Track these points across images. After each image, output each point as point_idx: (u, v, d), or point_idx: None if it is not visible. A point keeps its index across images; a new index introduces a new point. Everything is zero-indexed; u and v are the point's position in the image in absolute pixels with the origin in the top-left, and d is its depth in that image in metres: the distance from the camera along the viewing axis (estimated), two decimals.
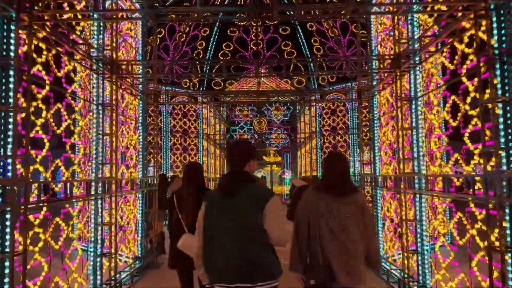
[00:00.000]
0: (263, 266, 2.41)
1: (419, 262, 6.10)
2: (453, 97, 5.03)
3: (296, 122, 24.38)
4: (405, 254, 6.13)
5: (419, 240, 6.13)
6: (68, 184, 5.04)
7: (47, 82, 4.67)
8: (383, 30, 8.06)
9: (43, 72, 4.58)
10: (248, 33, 16.45)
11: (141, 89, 8.29)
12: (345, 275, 2.85)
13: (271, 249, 2.50)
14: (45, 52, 4.64)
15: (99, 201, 6.19)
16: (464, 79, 4.61)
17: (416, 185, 5.98)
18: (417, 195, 6.14)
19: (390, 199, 7.76)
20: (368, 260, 3.02)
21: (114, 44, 6.32)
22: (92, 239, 6.08)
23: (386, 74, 7.26)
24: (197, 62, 9.75)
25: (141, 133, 8.51)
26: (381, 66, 6.51)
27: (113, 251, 6.15)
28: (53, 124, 4.91)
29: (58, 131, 5.11)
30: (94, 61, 6.01)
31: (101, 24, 6.58)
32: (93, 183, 5.98)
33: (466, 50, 4.59)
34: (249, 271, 2.38)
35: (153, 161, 8.84)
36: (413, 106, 6.29)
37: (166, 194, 10.09)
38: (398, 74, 6.25)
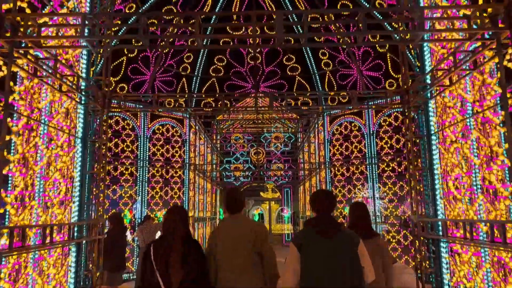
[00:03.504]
0: None
1: None
2: None
3: (298, 154, 21.63)
4: None
5: None
6: None
7: None
8: None
9: None
10: (244, 45, 13.99)
11: (84, 87, 5.53)
12: None
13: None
14: None
15: None
16: None
17: None
18: None
19: (467, 258, 4.84)
20: None
21: None
22: None
23: (452, 61, 4.53)
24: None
25: (80, 154, 5.66)
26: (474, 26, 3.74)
27: None
28: None
29: None
30: None
31: None
32: None
33: None
34: None
35: (98, 195, 5.92)
36: None
37: (124, 246, 6.98)
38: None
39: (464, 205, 4.81)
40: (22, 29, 3.58)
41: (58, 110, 5.04)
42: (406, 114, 5.80)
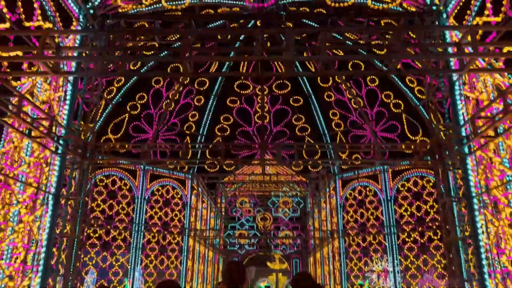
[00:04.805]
0: None
1: None
2: None
3: (307, 220, 20.34)
4: None
5: None
6: None
7: None
8: None
9: None
10: (251, 103, 13.53)
11: (62, 134, 4.79)
12: None
13: None
14: None
15: None
16: None
17: None
18: None
19: None
20: None
21: None
22: None
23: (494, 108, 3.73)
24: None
25: (50, 212, 4.76)
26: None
27: None
28: None
29: None
30: None
31: None
32: None
33: None
34: None
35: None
36: None
37: None
38: None
39: None
40: None
41: (24, 159, 4.24)
42: (439, 172, 4.88)
